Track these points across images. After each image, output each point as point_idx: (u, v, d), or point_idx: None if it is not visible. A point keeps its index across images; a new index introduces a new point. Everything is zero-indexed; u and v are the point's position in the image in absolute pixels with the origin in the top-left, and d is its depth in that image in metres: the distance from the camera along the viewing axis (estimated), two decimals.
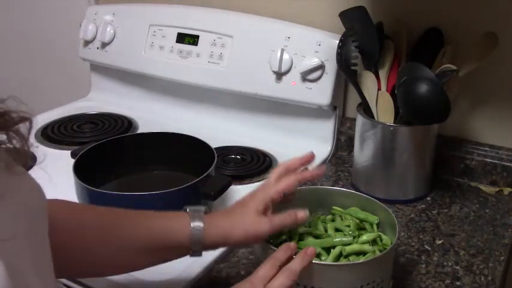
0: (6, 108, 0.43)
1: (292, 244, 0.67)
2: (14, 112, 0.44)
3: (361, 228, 0.77)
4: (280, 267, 0.64)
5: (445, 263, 0.86)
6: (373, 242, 0.74)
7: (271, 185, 0.73)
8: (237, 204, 0.74)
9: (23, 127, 0.44)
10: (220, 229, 0.69)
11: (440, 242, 0.91)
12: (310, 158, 0.78)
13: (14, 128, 0.43)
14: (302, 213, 0.71)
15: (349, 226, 0.76)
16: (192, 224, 0.68)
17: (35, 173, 0.51)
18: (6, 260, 0.40)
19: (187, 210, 0.71)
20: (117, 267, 0.70)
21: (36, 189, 0.50)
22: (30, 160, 0.45)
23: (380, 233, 0.76)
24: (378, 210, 0.79)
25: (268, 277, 0.62)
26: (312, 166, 1.12)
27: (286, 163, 0.77)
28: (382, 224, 0.78)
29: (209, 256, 0.81)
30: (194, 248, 0.69)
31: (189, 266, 0.80)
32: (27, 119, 0.45)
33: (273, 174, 0.75)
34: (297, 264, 0.64)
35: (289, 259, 0.65)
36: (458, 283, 0.81)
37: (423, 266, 0.85)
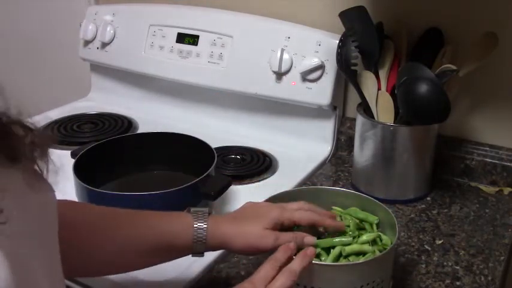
0: (35, 126, 0.44)
1: (292, 244, 0.67)
2: (41, 130, 0.45)
3: (361, 228, 0.77)
4: (280, 267, 0.64)
5: (445, 263, 0.86)
6: (373, 242, 0.74)
7: (289, 208, 0.73)
8: (248, 211, 0.73)
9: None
10: (223, 234, 0.69)
11: (440, 242, 0.91)
12: (333, 217, 0.77)
13: (41, 146, 0.45)
14: (309, 239, 0.70)
15: (348, 226, 0.76)
16: (195, 225, 0.68)
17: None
18: (13, 257, 0.40)
19: (191, 210, 0.71)
20: (120, 267, 0.70)
21: (53, 203, 0.51)
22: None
23: (380, 233, 0.76)
24: (377, 210, 0.79)
25: (268, 278, 0.62)
26: (312, 167, 1.14)
27: (312, 206, 0.76)
28: (382, 224, 0.78)
29: (209, 256, 0.81)
30: (197, 248, 0.69)
31: (189, 266, 0.80)
32: (54, 140, 0.46)
33: (295, 204, 0.75)
34: (296, 264, 0.64)
35: (289, 259, 0.65)
36: (458, 283, 0.81)
37: (423, 266, 0.85)
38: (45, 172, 0.46)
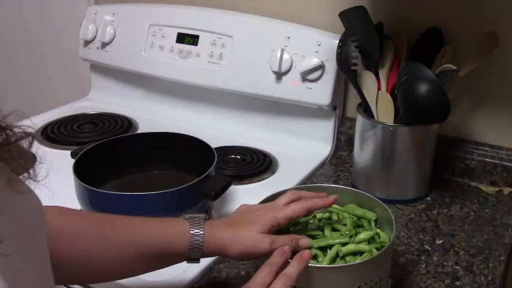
0: (8, 123, 0.42)
1: (287, 248, 0.67)
2: (16, 127, 0.43)
3: (358, 225, 0.77)
4: (277, 272, 0.64)
5: (445, 263, 0.86)
6: (371, 239, 0.74)
7: (280, 208, 0.73)
8: (242, 215, 0.73)
9: (24, 141, 0.44)
10: (219, 240, 0.69)
11: (440, 242, 0.91)
12: (323, 197, 0.77)
13: (17, 144, 0.43)
14: (304, 241, 0.70)
15: (345, 225, 0.76)
16: (192, 231, 0.68)
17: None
18: (8, 277, 0.39)
19: (187, 217, 0.71)
20: (115, 274, 0.70)
21: (38, 206, 0.50)
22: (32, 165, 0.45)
23: (378, 230, 0.76)
24: (375, 207, 0.78)
25: (266, 283, 0.62)
26: (312, 166, 1.14)
27: (299, 192, 0.77)
28: (380, 221, 0.78)
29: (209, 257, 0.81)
30: (193, 255, 0.69)
31: (189, 266, 0.79)
32: (29, 135, 0.44)
33: (284, 197, 0.75)
34: (293, 269, 0.64)
35: (285, 263, 0.65)
36: (458, 283, 0.81)
37: (423, 266, 0.85)
38: (31, 171, 0.45)
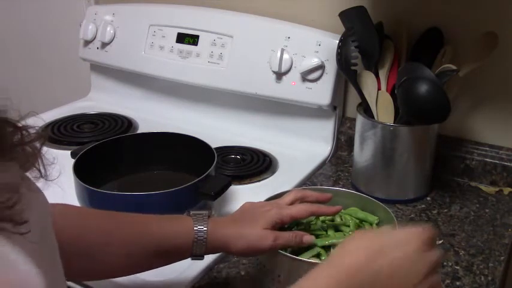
0: (24, 124, 0.43)
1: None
2: (31, 127, 0.44)
3: (361, 228, 0.77)
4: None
5: (445, 263, 0.86)
6: None
7: (285, 206, 0.73)
8: (246, 212, 0.73)
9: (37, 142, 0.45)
10: (223, 236, 0.69)
11: (440, 242, 0.91)
12: (328, 198, 0.78)
13: (31, 145, 0.44)
14: (307, 238, 0.71)
15: (348, 226, 0.76)
16: (196, 227, 0.68)
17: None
18: (42, 265, 0.40)
19: (191, 213, 0.71)
20: (119, 271, 0.70)
21: (46, 205, 0.50)
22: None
23: None
24: (377, 210, 0.79)
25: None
26: (312, 167, 1.14)
27: (304, 191, 0.77)
28: (382, 224, 0.78)
29: (209, 256, 0.81)
30: (197, 251, 0.69)
31: (189, 266, 0.80)
32: (43, 135, 0.45)
33: (289, 196, 0.75)
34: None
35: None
36: (458, 283, 0.81)
37: None
38: (42, 170, 0.45)
